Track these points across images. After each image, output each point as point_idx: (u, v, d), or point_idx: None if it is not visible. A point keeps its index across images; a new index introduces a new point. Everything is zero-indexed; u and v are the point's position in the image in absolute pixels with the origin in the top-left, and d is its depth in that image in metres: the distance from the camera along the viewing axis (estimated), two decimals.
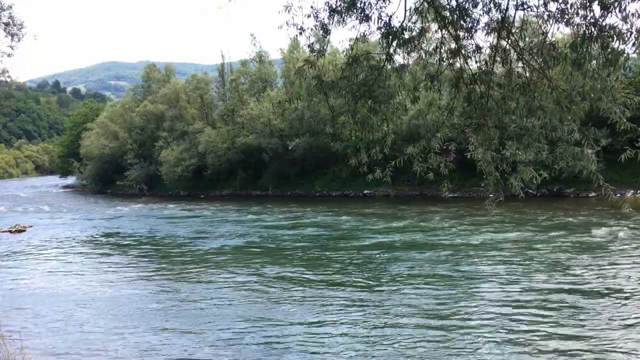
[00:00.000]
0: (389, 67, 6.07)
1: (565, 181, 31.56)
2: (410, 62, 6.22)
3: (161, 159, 52.56)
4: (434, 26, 5.96)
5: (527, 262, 16.79)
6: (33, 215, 38.84)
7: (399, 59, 6.24)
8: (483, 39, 5.80)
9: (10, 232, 29.67)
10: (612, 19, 5.22)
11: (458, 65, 5.98)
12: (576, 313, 11.71)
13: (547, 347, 9.94)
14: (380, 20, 5.77)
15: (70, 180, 78.65)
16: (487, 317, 11.75)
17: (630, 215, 23.28)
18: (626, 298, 12.62)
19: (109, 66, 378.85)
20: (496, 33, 5.57)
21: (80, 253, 23.18)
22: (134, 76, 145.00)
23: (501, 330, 10.92)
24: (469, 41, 5.79)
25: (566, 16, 5.26)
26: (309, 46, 6.11)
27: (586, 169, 5.61)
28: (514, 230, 22.47)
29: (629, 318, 11.21)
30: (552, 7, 5.40)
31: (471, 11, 5.58)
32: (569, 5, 5.24)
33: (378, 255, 19.18)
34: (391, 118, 6.68)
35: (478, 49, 5.79)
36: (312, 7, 5.76)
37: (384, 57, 5.97)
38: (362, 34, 5.94)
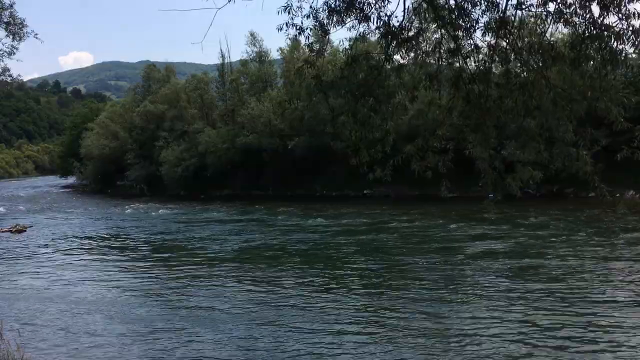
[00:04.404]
0: (388, 66, 6.09)
1: (565, 181, 31.52)
2: (409, 62, 6.24)
3: (161, 159, 52.54)
4: (432, 26, 5.98)
5: (525, 265, 16.82)
6: (33, 215, 38.86)
7: (398, 58, 6.26)
8: (481, 39, 5.82)
9: (11, 232, 29.70)
10: (612, 18, 5.24)
11: (457, 64, 6.00)
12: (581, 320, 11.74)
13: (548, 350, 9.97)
14: (379, 20, 5.79)
15: (71, 180, 78.63)
16: (487, 322, 11.77)
17: (626, 216, 23.31)
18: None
19: (109, 66, 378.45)
20: (494, 32, 5.58)
21: (80, 253, 23.19)
22: (134, 76, 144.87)
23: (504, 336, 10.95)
24: (468, 41, 5.80)
25: (565, 16, 5.27)
26: (308, 46, 6.13)
27: (582, 169, 5.63)
28: (510, 233, 22.47)
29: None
30: (551, 7, 5.43)
31: (470, 11, 5.59)
32: (567, 5, 5.26)
33: (380, 259, 19.20)
34: (391, 117, 6.70)
35: (476, 48, 5.81)
36: (311, 7, 5.77)
37: (383, 56, 5.98)
38: (361, 34, 5.96)
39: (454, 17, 5.64)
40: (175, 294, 15.19)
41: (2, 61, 11.79)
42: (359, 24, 5.83)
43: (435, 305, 12.70)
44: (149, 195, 51.94)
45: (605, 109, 5.41)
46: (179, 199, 46.37)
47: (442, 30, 5.87)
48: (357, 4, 5.72)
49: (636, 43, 5.15)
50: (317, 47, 6.23)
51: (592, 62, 5.52)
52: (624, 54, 5.34)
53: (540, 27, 5.59)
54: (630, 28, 5.14)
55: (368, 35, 6.05)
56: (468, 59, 5.92)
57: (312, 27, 5.89)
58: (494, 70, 5.95)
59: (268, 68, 54.98)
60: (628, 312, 11.59)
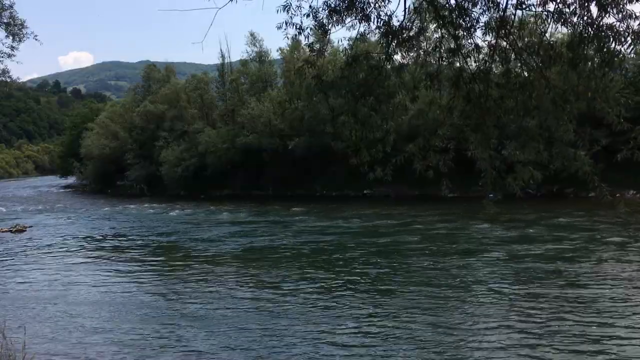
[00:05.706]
0: (389, 66, 6.09)
1: (565, 181, 31.51)
2: (410, 62, 6.24)
3: (161, 159, 52.53)
4: (432, 25, 5.99)
5: (526, 266, 16.82)
6: (33, 215, 38.86)
7: (398, 58, 6.27)
8: (482, 38, 5.83)
9: (11, 232, 29.71)
10: (610, 19, 5.25)
11: (457, 64, 6.00)
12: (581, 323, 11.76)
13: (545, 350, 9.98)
14: (379, 20, 5.80)
15: (71, 180, 78.67)
16: (488, 324, 11.78)
17: (626, 215, 23.33)
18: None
19: (109, 66, 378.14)
20: (494, 32, 5.60)
21: (81, 253, 23.20)
22: (134, 76, 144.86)
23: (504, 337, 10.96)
24: (468, 40, 5.81)
25: (564, 16, 5.28)
26: (308, 46, 6.13)
27: (581, 169, 5.64)
28: (512, 233, 22.48)
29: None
30: (551, 7, 5.44)
31: (470, 10, 5.61)
32: (567, 5, 5.27)
33: (382, 259, 19.20)
34: (392, 117, 6.71)
35: (477, 48, 5.82)
36: (310, 6, 5.76)
37: (384, 56, 5.99)
38: (361, 34, 5.97)
39: (454, 16, 5.66)
40: (175, 295, 15.20)
41: (2, 62, 11.81)
42: (359, 23, 5.83)
43: (440, 307, 12.71)
44: (149, 195, 51.94)
45: (602, 109, 5.42)
46: (179, 199, 46.37)
47: (443, 30, 5.88)
48: (357, 4, 5.72)
49: (635, 44, 5.16)
50: (318, 47, 6.24)
51: (590, 63, 5.53)
52: (621, 55, 5.35)
53: (540, 27, 5.60)
54: (629, 30, 5.15)
55: (368, 35, 6.06)
56: (468, 59, 5.93)
57: (312, 26, 5.89)
58: (494, 70, 5.96)
59: (268, 68, 55.01)
60: (635, 313, 11.61)
